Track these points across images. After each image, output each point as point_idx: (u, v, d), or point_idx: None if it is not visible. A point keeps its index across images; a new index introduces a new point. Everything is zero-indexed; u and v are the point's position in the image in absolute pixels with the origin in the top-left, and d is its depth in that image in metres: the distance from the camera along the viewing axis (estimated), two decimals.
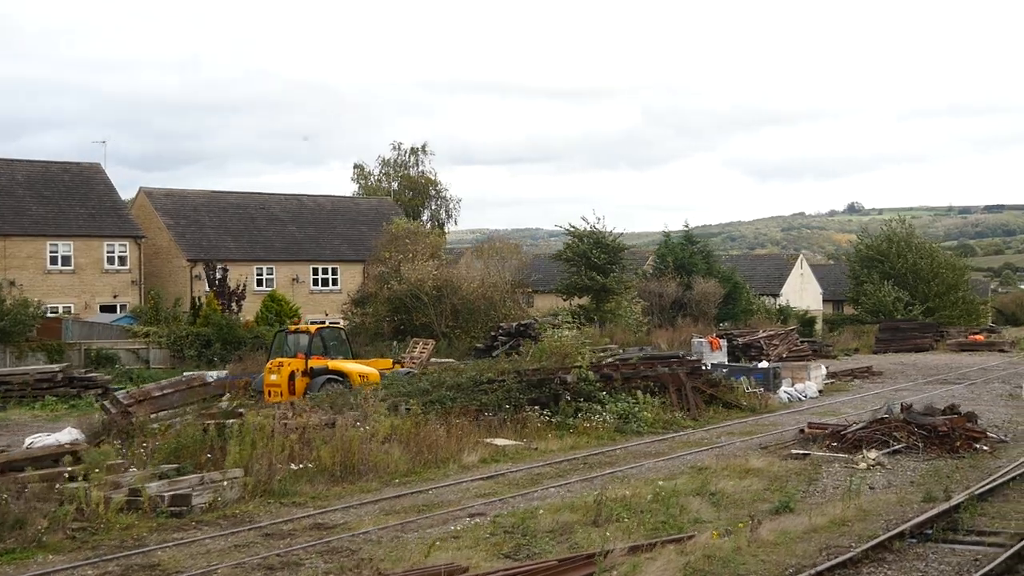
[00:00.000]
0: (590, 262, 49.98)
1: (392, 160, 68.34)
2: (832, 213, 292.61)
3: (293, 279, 53.04)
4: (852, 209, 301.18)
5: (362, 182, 67.28)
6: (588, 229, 51.31)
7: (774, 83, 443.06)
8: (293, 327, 28.07)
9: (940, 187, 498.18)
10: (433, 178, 68.46)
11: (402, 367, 28.07)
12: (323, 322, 44.13)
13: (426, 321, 42.17)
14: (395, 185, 67.57)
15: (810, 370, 30.53)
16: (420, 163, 68.51)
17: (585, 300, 51.84)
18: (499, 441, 19.45)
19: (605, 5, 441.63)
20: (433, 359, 37.20)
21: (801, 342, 47.71)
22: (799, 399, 28.87)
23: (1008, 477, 16.43)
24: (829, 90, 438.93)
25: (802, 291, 71.21)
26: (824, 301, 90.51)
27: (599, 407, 22.92)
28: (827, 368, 37.95)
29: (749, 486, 15.86)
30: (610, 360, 33.76)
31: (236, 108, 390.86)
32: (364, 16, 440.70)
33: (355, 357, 32.71)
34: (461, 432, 19.41)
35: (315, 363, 25.88)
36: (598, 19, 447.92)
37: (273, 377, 25.52)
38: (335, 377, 25.49)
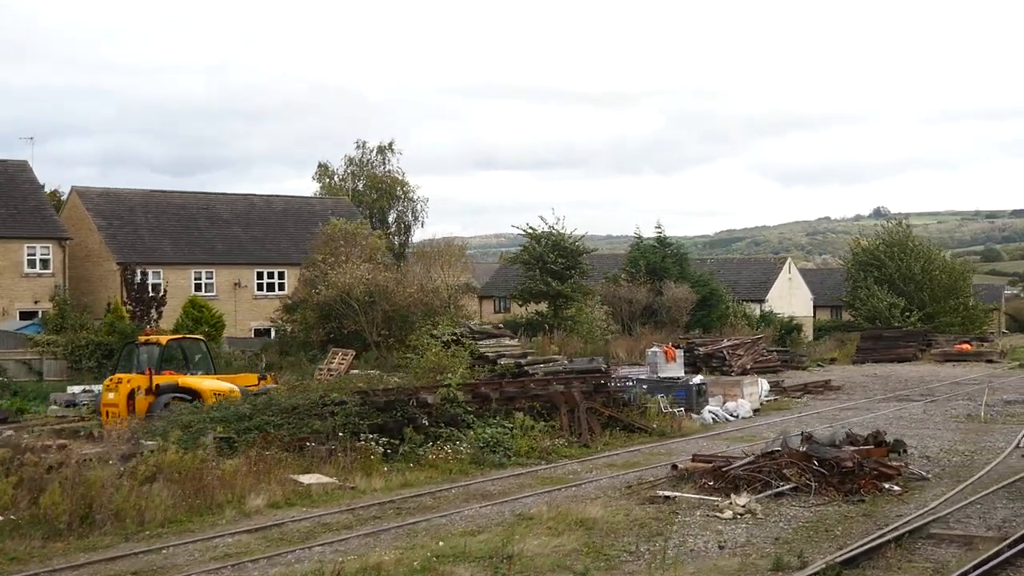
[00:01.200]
0: (546, 266, 46.75)
1: (357, 159, 65.32)
2: (858, 218, 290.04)
3: (235, 284, 50.08)
4: (878, 214, 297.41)
5: (325, 181, 64.26)
6: (546, 230, 48.10)
7: (799, 87, 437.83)
8: (144, 337, 25.00)
9: (968, 191, 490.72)
10: (400, 178, 65.36)
11: (270, 382, 24.90)
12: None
13: (357, 329, 39.13)
14: (360, 185, 64.56)
15: (743, 387, 27.13)
16: (387, 162, 65.47)
17: (545, 306, 48.66)
18: (307, 479, 16.27)
19: (630, 10, 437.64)
20: (356, 371, 34.25)
21: (770, 351, 44.29)
22: (725, 420, 25.55)
23: (898, 533, 13.11)
24: (855, 94, 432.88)
25: (790, 297, 67.62)
26: (817, 307, 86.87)
27: (466, 433, 19.74)
28: (782, 382, 34.69)
29: (561, 546, 12.60)
30: (542, 374, 30.80)
31: (263, 113, 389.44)
32: (391, 21, 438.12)
33: (245, 372, 29.81)
34: (266, 467, 16.26)
35: (164, 379, 22.86)
36: (623, 24, 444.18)
37: (111, 395, 22.50)
38: (183, 396, 22.44)
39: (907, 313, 71.71)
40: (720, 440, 22.16)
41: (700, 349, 42.81)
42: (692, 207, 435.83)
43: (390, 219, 63.87)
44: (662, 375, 40.11)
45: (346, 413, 18.65)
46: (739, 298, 65.30)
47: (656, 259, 54.92)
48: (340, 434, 18.11)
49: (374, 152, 65.36)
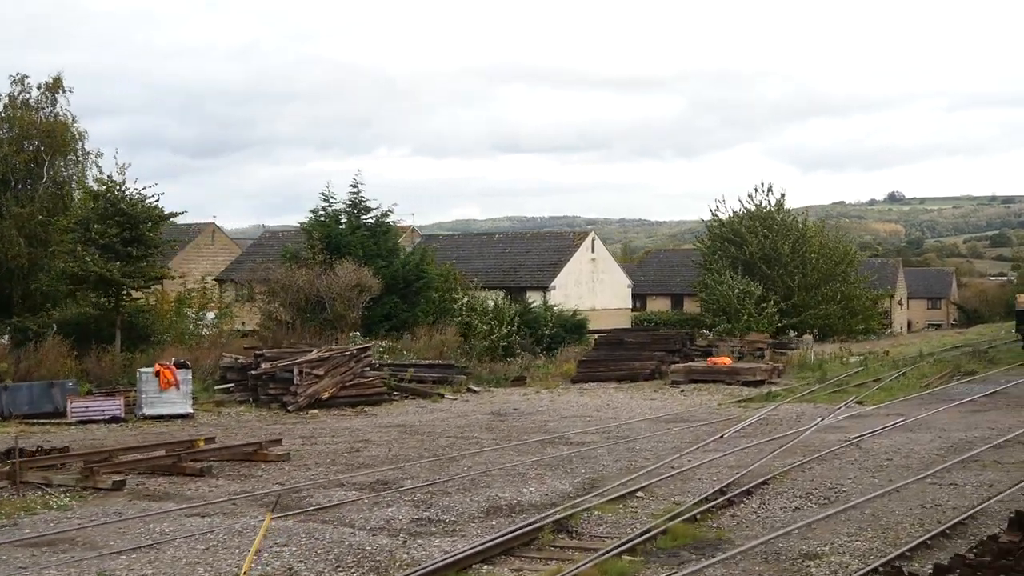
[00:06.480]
0: (90, 238, 31.33)
1: (16, 98, 49.70)
2: (872, 202, 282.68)
3: None
4: (892, 198, 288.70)
5: None
6: (114, 184, 32.58)
7: (824, 73, 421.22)
8: None
9: (987, 177, 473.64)
10: (69, 123, 49.73)
11: None
12: None
13: None
14: (15, 131, 48.92)
15: None
16: (55, 104, 49.85)
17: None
18: None
19: None
20: None
21: (373, 367, 28.71)
22: None
23: None
24: (882, 80, 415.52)
25: (593, 283, 51.85)
26: (686, 296, 71.29)
27: None
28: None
29: None
30: None
31: (291, 95, 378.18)
32: (417, 4, 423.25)
33: None
34: None
35: None
36: (648, 9, 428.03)
37: None
38: None
39: (763, 303, 56.49)
40: None
41: (262, 364, 27.50)
42: (711, 191, 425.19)
43: (44, 177, 48.33)
44: (149, 412, 25.10)
45: None
46: (521, 284, 50.00)
47: (342, 232, 39.40)
48: None
49: (39, 90, 49.73)
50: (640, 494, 15.58)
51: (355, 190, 41.12)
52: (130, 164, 32.92)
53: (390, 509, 14.32)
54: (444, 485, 16.00)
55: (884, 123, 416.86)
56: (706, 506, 14.45)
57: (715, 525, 13.60)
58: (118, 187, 32.24)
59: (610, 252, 61.29)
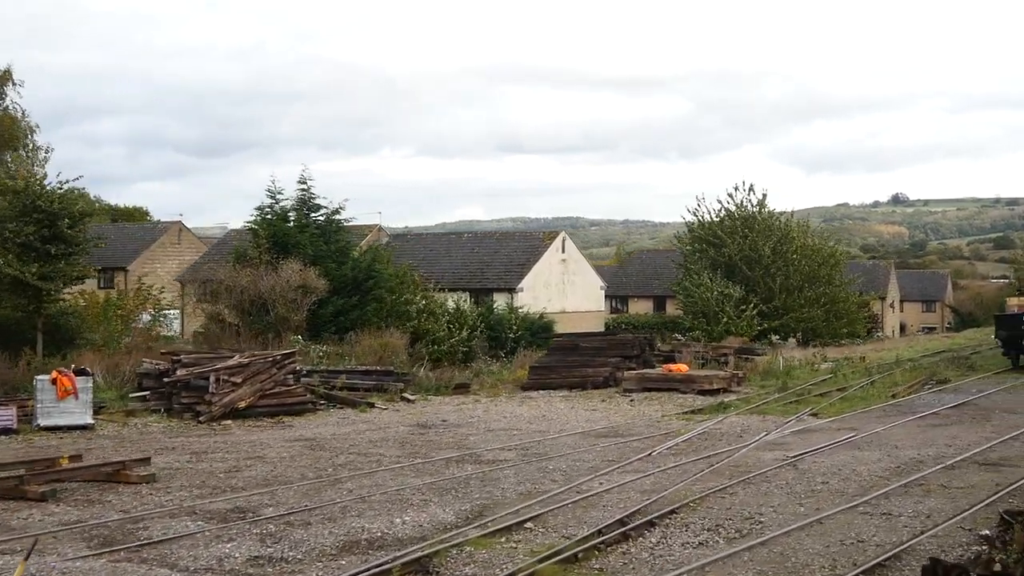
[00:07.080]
0: (6, 237, 29.39)
1: None
2: (876, 204, 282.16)
3: None
4: (896, 200, 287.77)
5: None
6: (33, 179, 30.71)
7: (827, 74, 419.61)
8: None
9: (991, 179, 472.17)
10: (18, 117, 48.11)
11: None
12: None
13: None
14: None
15: None
16: (3, 97, 48.23)
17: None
18: None
19: None
20: None
21: (299, 374, 26.83)
22: None
23: None
24: (884, 81, 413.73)
25: (564, 284, 49.92)
26: (669, 299, 69.37)
27: None
28: None
29: None
30: None
31: (294, 95, 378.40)
32: (418, 4, 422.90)
33: None
34: None
35: None
36: (650, 8, 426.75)
37: None
38: None
39: (743, 307, 54.74)
40: None
41: (179, 371, 25.66)
42: (714, 192, 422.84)
43: None
44: (44, 423, 23.26)
45: None
46: (489, 286, 48.14)
47: (289, 231, 37.51)
48: None
49: None
50: (529, 524, 13.69)
51: (304, 187, 39.30)
52: (54, 149, 31.03)
53: (230, 544, 12.45)
54: (309, 513, 14.14)
55: (886, 124, 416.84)
56: (596, 540, 12.58)
57: (597, 566, 11.72)
58: (38, 181, 30.36)
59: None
